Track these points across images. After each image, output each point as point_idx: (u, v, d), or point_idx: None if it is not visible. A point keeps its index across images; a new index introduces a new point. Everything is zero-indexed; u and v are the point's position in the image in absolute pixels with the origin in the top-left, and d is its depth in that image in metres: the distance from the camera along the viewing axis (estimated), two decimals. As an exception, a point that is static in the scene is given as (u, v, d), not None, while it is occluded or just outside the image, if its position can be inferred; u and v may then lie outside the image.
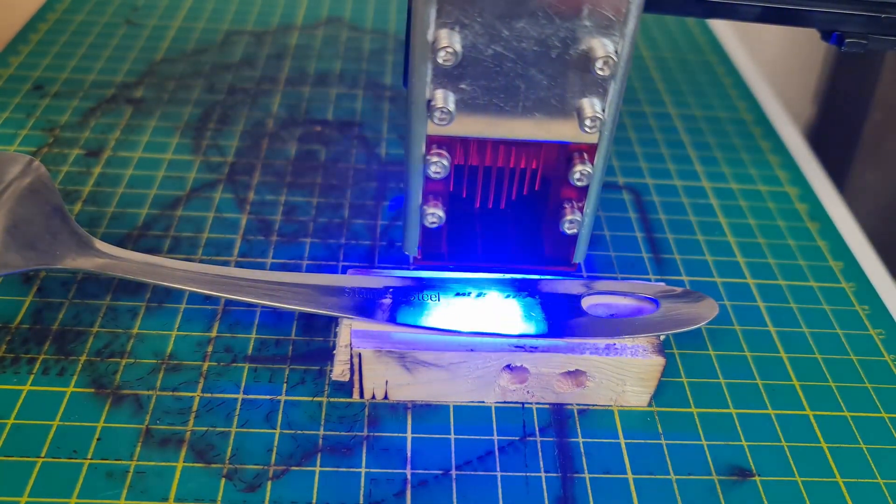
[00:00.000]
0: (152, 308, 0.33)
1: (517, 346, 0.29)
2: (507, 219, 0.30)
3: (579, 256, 0.31)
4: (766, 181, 0.44)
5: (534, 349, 0.29)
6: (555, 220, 0.29)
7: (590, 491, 0.28)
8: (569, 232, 0.29)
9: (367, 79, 0.49)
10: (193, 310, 0.33)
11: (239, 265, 0.36)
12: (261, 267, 0.36)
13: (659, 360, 0.30)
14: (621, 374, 0.30)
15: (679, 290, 0.33)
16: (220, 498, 0.27)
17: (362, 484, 0.28)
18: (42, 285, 0.34)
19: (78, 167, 0.40)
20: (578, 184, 0.28)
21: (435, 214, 0.28)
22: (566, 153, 0.28)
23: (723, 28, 0.59)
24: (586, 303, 0.31)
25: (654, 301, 0.32)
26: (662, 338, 0.31)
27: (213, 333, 0.32)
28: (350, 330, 0.30)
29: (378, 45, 0.53)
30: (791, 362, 0.34)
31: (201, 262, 0.36)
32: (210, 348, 0.32)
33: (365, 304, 0.30)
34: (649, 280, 0.37)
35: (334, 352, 0.31)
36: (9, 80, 0.46)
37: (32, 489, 0.27)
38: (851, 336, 0.35)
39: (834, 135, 0.83)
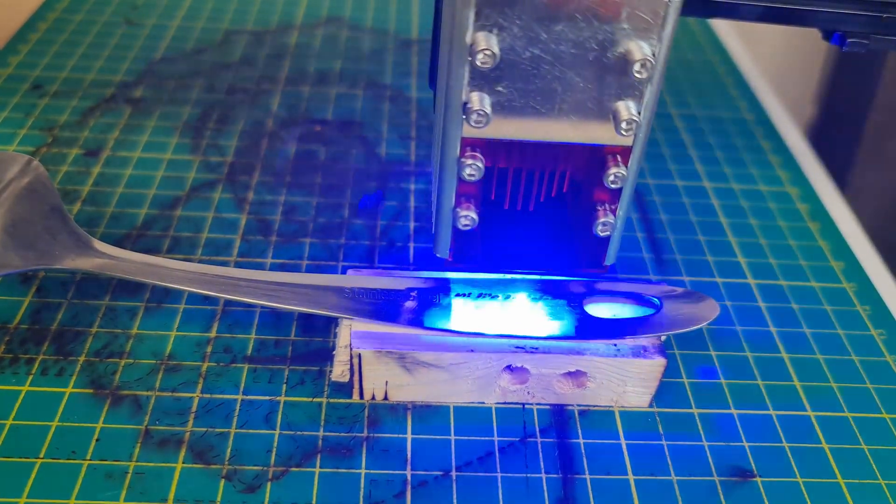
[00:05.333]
0: (151, 308, 0.33)
1: (518, 347, 0.29)
2: (539, 221, 0.30)
3: (610, 259, 0.31)
4: (767, 181, 0.44)
5: (534, 350, 0.29)
6: (587, 223, 0.29)
7: (590, 492, 0.28)
8: (602, 234, 0.29)
9: (367, 78, 0.49)
10: (192, 310, 0.33)
11: (238, 265, 0.36)
12: (260, 267, 0.35)
13: (660, 361, 0.30)
14: (622, 375, 0.30)
15: (680, 290, 0.32)
16: (219, 499, 0.27)
17: (362, 485, 0.28)
18: (41, 285, 0.34)
19: (77, 167, 0.40)
20: (612, 186, 0.28)
21: (468, 217, 0.28)
22: (600, 156, 0.28)
23: (724, 28, 0.59)
24: (587, 303, 0.31)
25: (656, 301, 0.31)
26: (663, 338, 0.31)
27: (213, 334, 0.32)
28: (350, 330, 0.29)
29: (378, 45, 0.53)
30: (792, 363, 0.34)
31: (200, 262, 0.35)
32: (209, 349, 0.32)
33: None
34: (650, 280, 0.36)
35: (334, 352, 0.31)
36: (8, 79, 0.46)
37: (31, 490, 0.27)
38: (853, 336, 0.35)
39: (835, 135, 0.83)
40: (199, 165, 0.41)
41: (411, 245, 0.37)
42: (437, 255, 0.30)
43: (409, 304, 0.30)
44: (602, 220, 0.29)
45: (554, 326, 0.30)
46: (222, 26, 0.53)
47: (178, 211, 0.38)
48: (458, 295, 0.31)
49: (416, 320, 0.30)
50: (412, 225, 0.38)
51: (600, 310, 0.31)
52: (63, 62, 0.48)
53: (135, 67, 0.48)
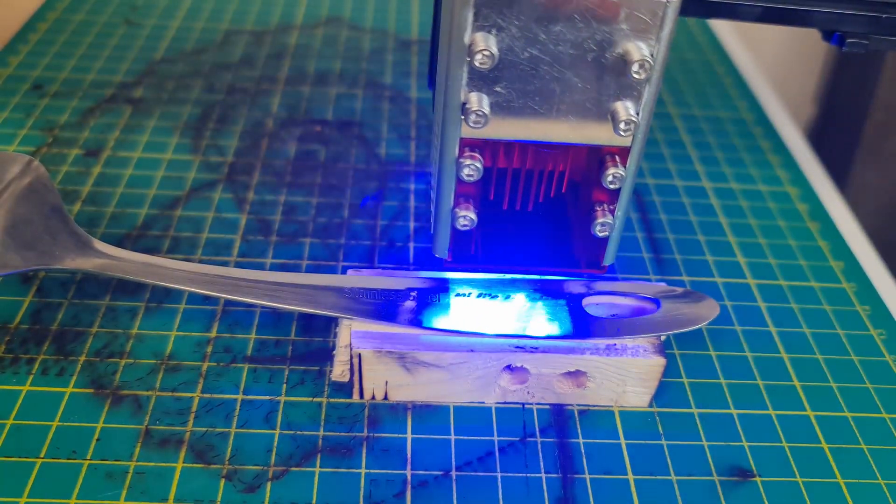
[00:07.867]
0: (151, 308, 0.33)
1: (517, 347, 0.29)
2: (537, 222, 0.30)
3: (609, 259, 0.31)
4: (767, 181, 0.44)
5: (534, 350, 0.29)
6: (585, 223, 0.29)
7: (590, 491, 0.28)
8: (600, 235, 0.29)
9: (366, 78, 0.49)
10: (193, 310, 0.33)
11: (238, 265, 0.36)
12: (260, 267, 0.35)
13: (659, 361, 0.30)
14: (622, 375, 0.30)
15: (680, 290, 0.33)
16: (219, 498, 0.27)
17: (362, 485, 0.28)
18: (41, 285, 0.34)
19: (77, 167, 0.40)
20: (611, 187, 0.28)
21: (467, 217, 0.28)
22: (598, 156, 0.28)
23: (723, 28, 0.59)
24: (587, 303, 0.31)
25: (655, 301, 0.32)
26: (663, 338, 0.31)
27: (213, 334, 0.32)
28: (350, 330, 0.29)
29: (378, 45, 0.53)
30: (792, 363, 0.34)
31: (200, 262, 0.35)
32: (209, 349, 0.32)
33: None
34: (650, 280, 0.37)
35: (334, 352, 0.31)
36: (8, 79, 0.46)
37: (32, 490, 0.27)
38: (852, 336, 0.35)
39: (835, 134, 0.83)
40: (200, 165, 0.41)
41: (411, 245, 0.37)
42: (436, 256, 0.30)
43: (409, 303, 0.30)
44: (600, 220, 0.29)
45: (553, 326, 0.30)
46: (222, 26, 0.53)
47: (178, 211, 0.38)
48: (457, 295, 0.31)
49: (416, 320, 0.30)
50: (412, 225, 0.38)
51: (600, 309, 0.31)
52: (63, 62, 0.48)
53: (135, 68, 0.48)
